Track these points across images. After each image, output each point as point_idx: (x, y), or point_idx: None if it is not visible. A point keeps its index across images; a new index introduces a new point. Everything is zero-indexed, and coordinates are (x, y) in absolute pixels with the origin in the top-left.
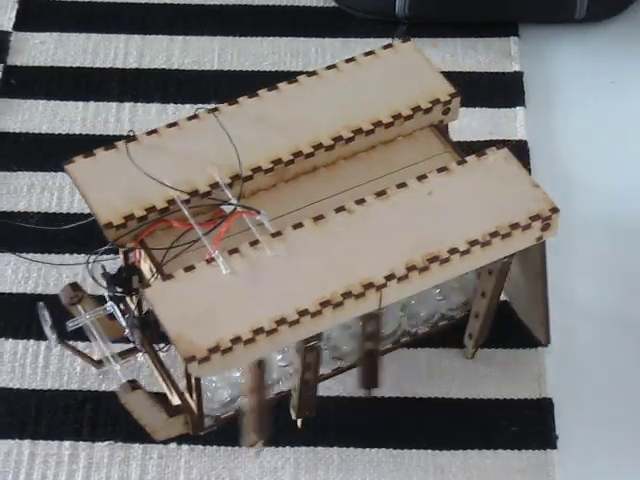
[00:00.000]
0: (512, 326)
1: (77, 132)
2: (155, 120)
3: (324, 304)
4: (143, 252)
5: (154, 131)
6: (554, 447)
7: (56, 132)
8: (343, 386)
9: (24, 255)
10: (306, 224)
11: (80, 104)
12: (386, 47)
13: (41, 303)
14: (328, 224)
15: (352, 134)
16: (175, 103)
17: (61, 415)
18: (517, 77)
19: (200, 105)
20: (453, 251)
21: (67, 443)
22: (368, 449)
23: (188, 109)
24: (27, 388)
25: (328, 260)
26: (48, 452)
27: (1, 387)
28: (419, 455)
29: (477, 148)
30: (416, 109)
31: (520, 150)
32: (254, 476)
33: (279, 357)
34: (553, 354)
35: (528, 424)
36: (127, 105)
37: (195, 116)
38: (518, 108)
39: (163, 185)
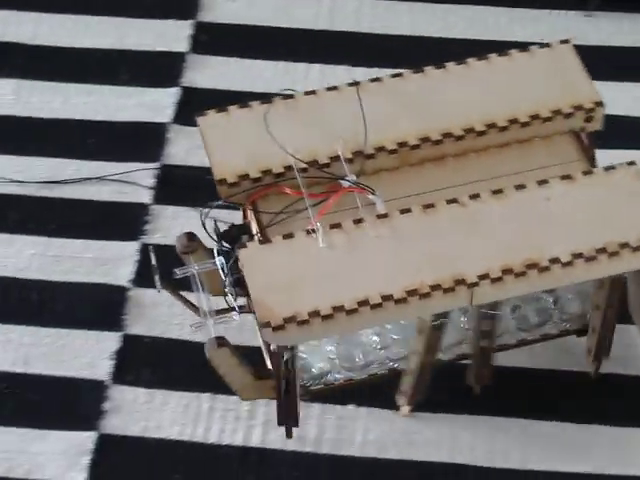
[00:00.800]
0: None
1: (265, 90)
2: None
3: (411, 293)
4: (253, 213)
5: (291, 96)
6: None
7: (244, 89)
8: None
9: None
10: (414, 210)
11: (269, 63)
12: (543, 46)
13: (150, 246)
14: (436, 214)
15: (485, 128)
16: (364, 66)
17: None
18: None
19: (386, 70)
20: (554, 261)
21: (245, 402)
22: (548, 422)
23: (375, 72)
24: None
25: (426, 250)
26: (227, 407)
27: (181, 340)
28: (600, 430)
29: None
30: (556, 112)
31: None
32: (431, 441)
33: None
34: None
35: None
36: (316, 66)
37: (335, 87)
38: None
39: (283, 150)
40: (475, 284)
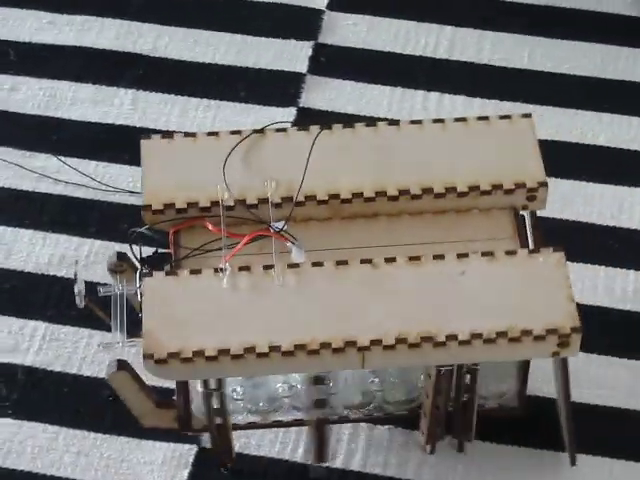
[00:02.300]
0: None
1: (382, 116)
2: (460, 113)
3: (299, 347)
4: (172, 243)
5: (261, 131)
6: None
7: (361, 113)
8: None
9: None
10: (327, 265)
11: (387, 89)
12: (503, 117)
13: (76, 260)
14: (347, 271)
15: (420, 192)
16: (482, 98)
17: None
18: None
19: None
20: (451, 337)
21: (348, 425)
22: None
23: (493, 105)
24: None
25: (326, 306)
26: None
27: None
28: None
29: None
30: (496, 187)
31: None
32: None
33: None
34: None
35: None
36: (434, 95)
37: (305, 128)
38: None
39: (213, 184)
40: (366, 348)
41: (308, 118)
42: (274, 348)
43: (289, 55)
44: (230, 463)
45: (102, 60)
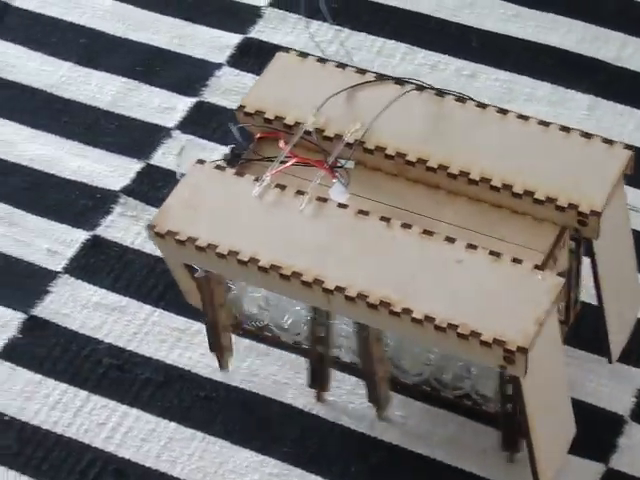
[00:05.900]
0: None
1: None
2: None
3: (274, 267)
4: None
5: (382, 78)
6: None
7: None
8: None
9: None
10: (349, 210)
11: None
12: (606, 141)
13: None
14: (362, 222)
15: (477, 179)
16: None
17: None
18: None
19: None
20: (407, 311)
21: None
22: None
23: None
24: None
25: (319, 243)
26: None
27: None
28: None
29: None
30: (550, 200)
31: None
32: None
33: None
34: None
35: None
36: None
37: (420, 87)
38: None
39: (308, 108)
40: (330, 292)
41: None
42: (253, 260)
43: None
44: None
45: (563, 61)
